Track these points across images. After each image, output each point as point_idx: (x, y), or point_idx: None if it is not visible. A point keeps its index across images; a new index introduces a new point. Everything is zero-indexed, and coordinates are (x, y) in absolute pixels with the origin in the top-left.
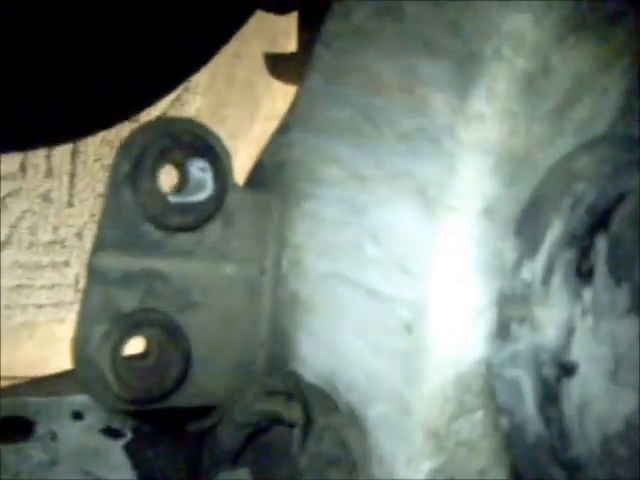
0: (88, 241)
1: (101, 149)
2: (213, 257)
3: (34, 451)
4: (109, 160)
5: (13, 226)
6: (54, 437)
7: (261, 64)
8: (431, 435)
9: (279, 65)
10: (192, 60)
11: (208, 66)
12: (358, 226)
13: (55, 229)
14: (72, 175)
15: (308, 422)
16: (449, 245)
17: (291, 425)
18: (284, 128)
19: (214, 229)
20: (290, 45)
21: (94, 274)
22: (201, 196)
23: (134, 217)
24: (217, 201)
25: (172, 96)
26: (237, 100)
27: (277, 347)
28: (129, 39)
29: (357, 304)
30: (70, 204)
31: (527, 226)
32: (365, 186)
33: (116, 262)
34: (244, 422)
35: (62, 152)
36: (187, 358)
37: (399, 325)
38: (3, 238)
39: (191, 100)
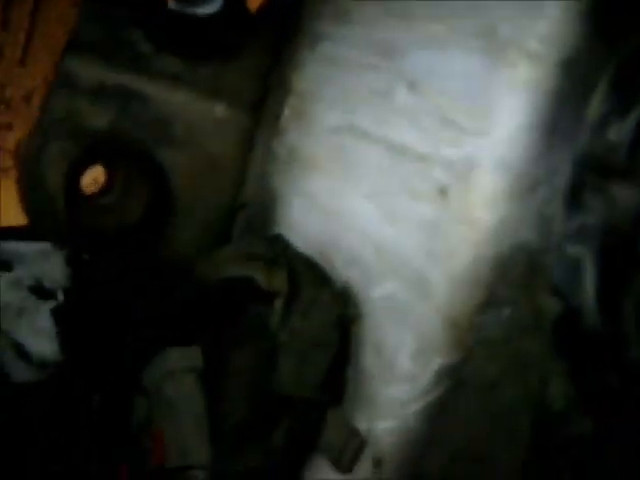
0: (35, 107)
1: (65, 10)
2: (204, 91)
3: None
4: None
5: None
6: None
7: None
8: (450, 326)
9: None
10: None
11: None
12: (391, 71)
13: (2, 87)
14: (29, 32)
15: (293, 293)
16: (517, 97)
17: (269, 296)
18: None
19: (211, 60)
20: None
21: (61, 77)
22: (209, 9)
23: (121, 19)
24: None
25: None
26: None
27: (261, 209)
28: None
29: (374, 162)
30: (22, 63)
31: (624, 80)
32: (410, 25)
33: (89, 69)
34: (206, 287)
35: (21, 6)
36: (156, 201)
37: (430, 188)
38: None
39: None
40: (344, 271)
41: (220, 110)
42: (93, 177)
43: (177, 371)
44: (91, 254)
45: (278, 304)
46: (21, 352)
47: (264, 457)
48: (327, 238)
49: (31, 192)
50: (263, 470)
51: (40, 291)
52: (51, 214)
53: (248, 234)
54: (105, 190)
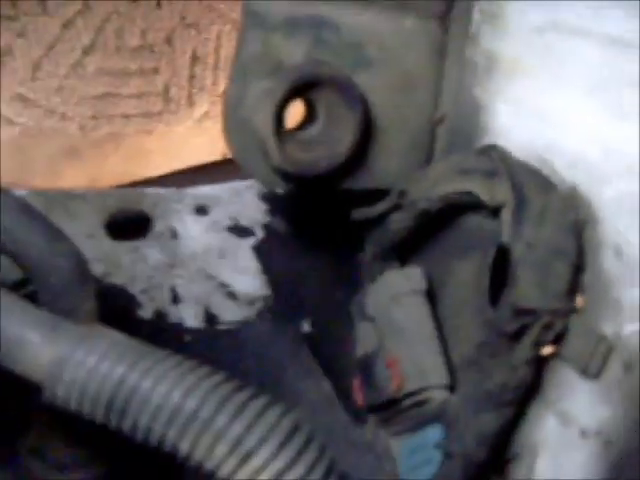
0: (178, 47)
1: None
2: (392, 6)
3: (151, 251)
4: None
5: (98, 29)
6: (174, 235)
7: None
8: None
9: None
10: None
11: None
12: None
13: (143, 33)
14: None
15: (521, 203)
16: None
17: (495, 210)
18: None
19: None
20: None
21: (250, 17)
22: None
23: None
24: None
25: None
26: None
27: (463, 120)
28: None
29: (589, 58)
30: (159, 5)
31: None
32: None
33: (277, 4)
34: (423, 207)
35: None
36: (362, 127)
37: None
38: (87, 42)
39: None
40: (567, 174)
41: (409, 23)
42: (296, 111)
43: (402, 294)
44: (304, 189)
45: (506, 216)
46: (228, 292)
47: (511, 372)
48: (542, 142)
49: (238, 136)
50: (510, 387)
51: (238, 230)
52: (260, 154)
53: (451, 148)
54: (310, 123)
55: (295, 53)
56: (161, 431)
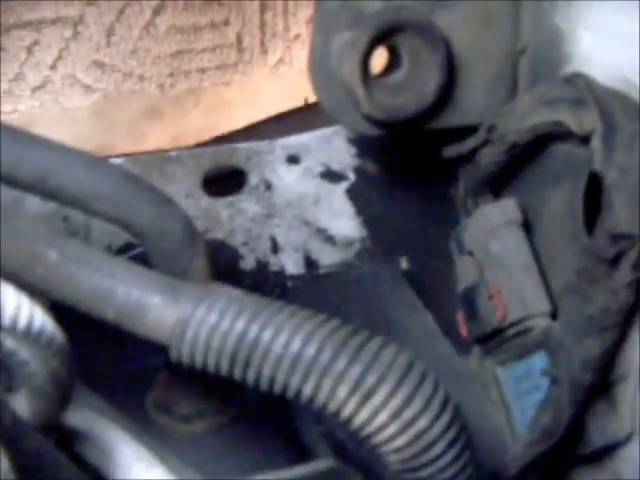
0: None
1: None
2: None
3: (248, 204)
4: None
5: None
6: (268, 186)
7: None
8: None
9: None
10: None
11: None
12: None
13: None
14: None
15: (610, 130)
16: None
17: (584, 138)
18: None
19: None
20: None
21: None
22: None
23: None
24: None
25: None
26: None
27: (545, 49)
28: None
29: None
30: None
31: None
32: None
33: None
34: (513, 140)
35: None
36: (446, 67)
37: None
38: (157, 2)
39: None
40: None
41: None
42: (381, 57)
43: (498, 227)
44: (394, 133)
45: (596, 143)
46: (325, 237)
47: (612, 296)
48: (628, 65)
49: (326, 87)
50: (611, 311)
51: (331, 175)
52: (350, 103)
53: (535, 79)
54: (395, 68)
55: (374, 1)
56: (284, 379)
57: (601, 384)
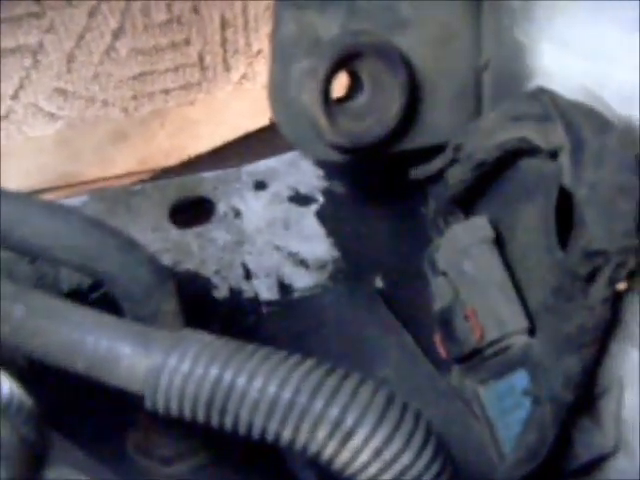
0: (205, 14)
1: None
2: None
3: (217, 233)
4: None
5: (124, 11)
6: (237, 214)
7: None
8: None
9: None
10: None
11: None
12: None
13: (168, 7)
14: None
15: (578, 145)
16: None
17: (552, 153)
18: None
19: None
20: None
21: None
22: None
23: None
24: None
25: None
26: None
27: (507, 64)
28: None
29: None
30: None
31: None
32: None
33: None
34: (480, 158)
35: None
36: (408, 89)
37: None
38: (116, 26)
39: None
40: (621, 109)
41: None
42: (340, 83)
43: (470, 246)
44: (359, 157)
45: (564, 159)
46: (298, 260)
47: (589, 313)
48: (592, 78)
49: (287, 116)
50: (589, 327)
51: (299, 199)
52: (312, 132)
53: (499, 94)
54: (356, 93)
55: (331, 27)
56: (262, 424)
57: (584, 400)
